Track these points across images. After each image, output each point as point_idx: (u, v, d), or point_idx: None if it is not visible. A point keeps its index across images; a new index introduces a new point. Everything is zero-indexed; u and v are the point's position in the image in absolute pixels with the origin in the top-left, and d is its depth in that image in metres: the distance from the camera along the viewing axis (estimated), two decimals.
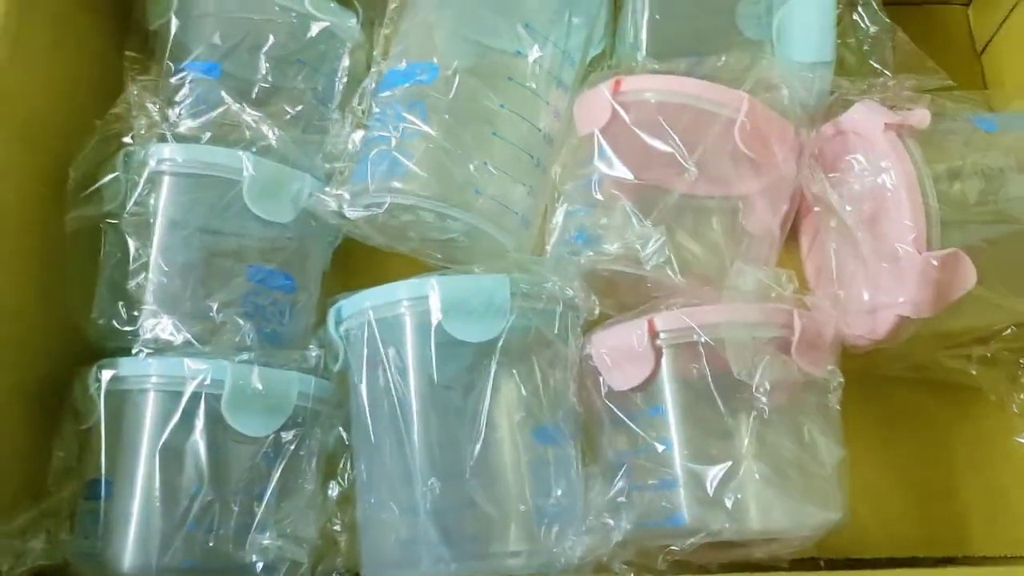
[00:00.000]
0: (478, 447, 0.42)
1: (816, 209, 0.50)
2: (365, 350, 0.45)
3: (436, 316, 0.43)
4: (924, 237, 0.43)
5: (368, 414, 0.45)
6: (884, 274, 0.45)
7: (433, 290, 0.43)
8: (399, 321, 0.44)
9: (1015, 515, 0.50)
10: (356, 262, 0.56)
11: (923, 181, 0.44)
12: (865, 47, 0.50)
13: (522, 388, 0.44)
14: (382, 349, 0.44)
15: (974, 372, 0.50)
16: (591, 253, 0.46)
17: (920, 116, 0.45)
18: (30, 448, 0.46)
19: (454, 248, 0.52)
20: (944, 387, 0.52)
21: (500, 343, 0.43)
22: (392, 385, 0.44)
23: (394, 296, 0.45)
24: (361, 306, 0.46)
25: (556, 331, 0.45)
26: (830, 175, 0.48)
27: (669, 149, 0.45)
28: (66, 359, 0.48)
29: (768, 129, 0.47)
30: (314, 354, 0.47)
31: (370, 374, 0.45)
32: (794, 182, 0.49)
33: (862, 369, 0.47)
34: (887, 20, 0.49)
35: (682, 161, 0.45)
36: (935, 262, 0.42)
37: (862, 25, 0.50)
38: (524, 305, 0.44)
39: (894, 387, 0.53)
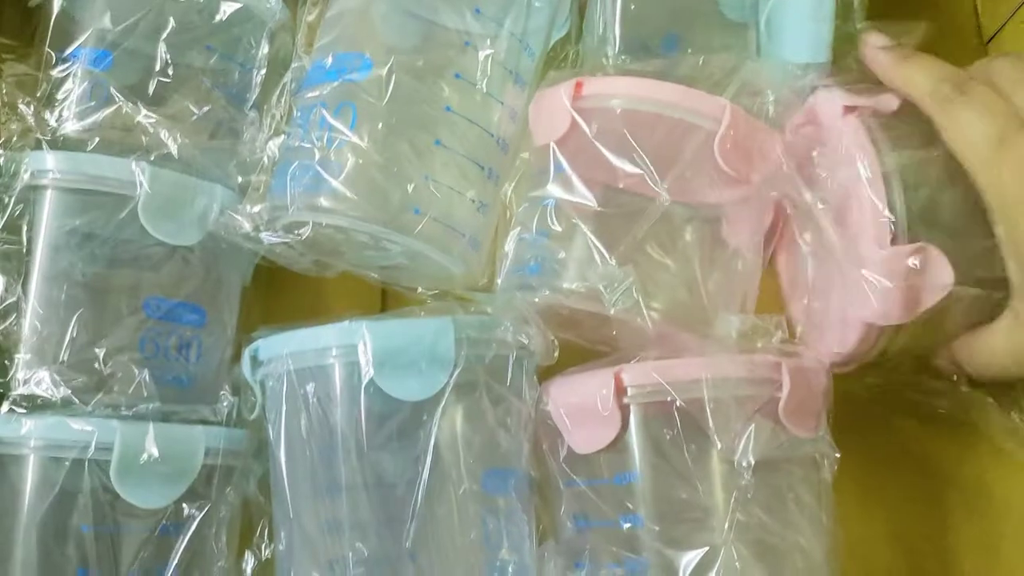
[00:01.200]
0: (414, 523, 0.36)
1: (790, 211, 0.44)
2: (284, 404, 0.39)
3: (367, 371, 0.37)
4: (888, 233, 0.37)
5: (286, 480, 0.38)
6: (855, 279, 0.39)
7: (364, 339, 0.37)
8: (324, 372, 0.38)
9: (1014, 572, 0.46)
10: (284, 277, 0.49)
11: (887, 171, 0.38)
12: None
13: (466, 453, 0.38)
14: (304, 404, 0.38)
15: (964, 389, 0.44)
16: (547, 291, 0.39)
17: (886, 99, 0.40)
18: None
19: (395, 270, 0.46)
20: (938, 426, 0.47)
21: (443, 400, 0.37)
22: (314, 447, 0.38)
23: (318, 343, 0.38)
24: (280, 351, 0.39)
25: (508, 383, 0.39)
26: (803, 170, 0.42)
27: (638, 171, 0.39)
28: None
29: (752, 141, 0.41)
30: (225, 404, 0.41)
31: (289, 433, 0.39)
32: (777, 195, 0.43)
33: (848, 408, 0.42)
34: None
35: (653, 185, 0.39)
36: (901, 260, 0.37)
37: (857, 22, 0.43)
38: (471, 353, 0.38)
39: (881, 426, 0.48)
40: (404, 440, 0.37)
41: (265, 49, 0.46)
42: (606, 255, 0.38)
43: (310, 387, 0.38)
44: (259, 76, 0.46)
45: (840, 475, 0.39)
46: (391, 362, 0.37)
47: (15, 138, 0.41)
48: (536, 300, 0.40)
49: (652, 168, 0.38)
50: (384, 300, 0.52)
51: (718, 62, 0.42)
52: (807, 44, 0.43)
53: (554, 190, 0.40)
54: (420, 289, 0.46)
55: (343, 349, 0.37)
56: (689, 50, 0.46)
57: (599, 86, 0.41)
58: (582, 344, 0.43)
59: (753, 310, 0.41)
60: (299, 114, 0.42)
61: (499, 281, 0.42)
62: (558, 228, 0.39)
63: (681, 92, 0.40)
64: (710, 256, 0.41)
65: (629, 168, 0.38)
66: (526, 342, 0.39)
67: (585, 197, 0.39)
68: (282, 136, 0.43)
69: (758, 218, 0.43)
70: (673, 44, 0.47)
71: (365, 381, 0.37)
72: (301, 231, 0.41)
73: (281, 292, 0.50)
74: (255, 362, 0.40)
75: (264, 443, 0.41)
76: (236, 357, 0.44)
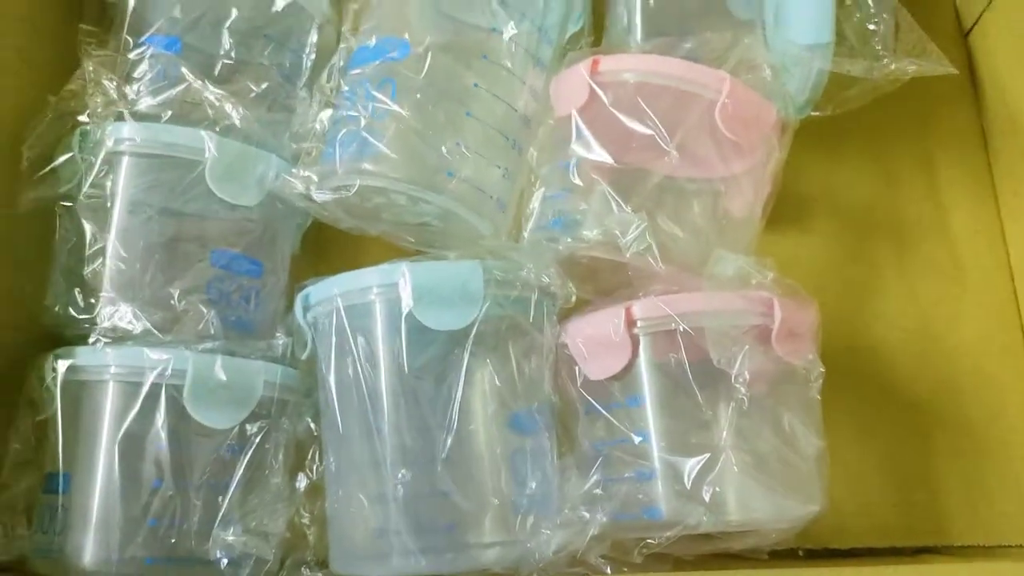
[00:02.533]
0: (450, 437, 0.41)
1: None
2: (333, 338, 0.44)
3: (407, 304, 0.42)
4: None
5: (336, 404, 0.43)
6: None
7: (404, 277, 0.42)
8: (368, 308, 0.43)
9: (995, 505, 0.50)
10: (327, 243, 0.54)
11: None
12: (869, 26, 0.48)
13: (496, 377, 0.42)
14: (351, 337, 0.43)
15: None
16: (569, 240, 0.44)
17: None
18: None
19: (428, 232, 0.51)
20: (927, 371, 0.51)
21: (473, 331, 0.42)
22: (361, 374, 0.42)
23: (363, 283, 0.43)
24: (329, 293, 0.44)
25: (531, 319, 0.44)
26: None
27: (649, 131, 0.44)
28: (21, 346, 0.46)
29: (750, 111, 0.46)
30: (281, 342, 0.46)
31: (339, 363, 0.43)
32: (775, 164, 0.48)
33: (841, 353, 0.47)
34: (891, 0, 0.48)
35: (662, 144, 0.44)
36: None
37: (865, 2, 0.48)
38: (498, 293, 0.43)
39: (874, 370, 0.52)
40: (440, 366, 0.42)
41: (314, 37, 0.52)
42: (622, 204, 0.43)
43: (356, 322, 0.43)
44: (308, 60, 0.52)
45: (836, 412, 0.44)
46: (427, 297, 0.42)
47: (100, 109, 0.46)
48: (559, 248, 0.45)
49: (663, 129, 0.43)
50: None
51: (718, 40, 0.47)
52: (811, 26, 0.47)
53: (576, 150, 0.45)
54: (451, 254, 0.51)
55: (385, 287, 0.42)
56: None
57: (614, 62, 0.46)
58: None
59: None
60: (347, 89, 0.48)
61: (525, 235, 0.47)
62: (579, 183, 0.45)
63: (686, 66, 0.45)
64: (712, 220, 0.46)
65: (641, 129, 0.44)
66: (547, 282, 0.44)
67: (603, 156, 0.44)
68: (331, 109, 0.48)
69: (755, 189, 0.48)
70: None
71: (405, 313, 0.42)
72: (349, 190, 0.46)
73: (324, 258, 0.55)
74: (307, 306, 0.45)
75: (314, 385, 0.46)
76: (287, 309, 0.50)
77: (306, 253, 0.53)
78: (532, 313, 0.44)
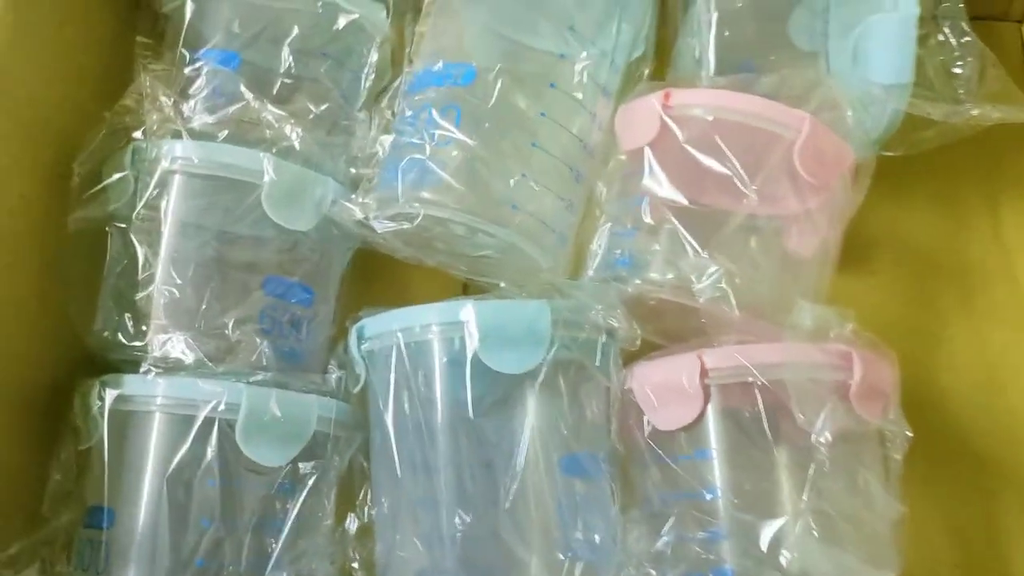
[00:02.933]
0: (514, 483, 0.39)
1: None
2: (392, 375, 0.42)
3: (472, 344, 0.40)
4: None
5: (394, 444, 0.41)
6: None
7: (470, 316, 0.40)
8: (430, 346, 0.41)
9: None
10: (374, 269, 0.53)
11: None
12: (953, 68, 0.46)
13: (560, 422, 0.41)
14: (410, 375, 0.41)
15: None
16: (638, 280, 0.43)
17: None
18: (24, 466, 0.43)
19: (483, 262, 0.49)
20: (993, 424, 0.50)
21: (540, 376, 0.40)
22: (421, 413, 0.41)
23: (426, 319, 0.41)
24: (388, 327, 0.42)
25: (597, 362, 0.42)
26: None
27: (727, 171, 0.42)
28: (66, 369, 0.45)
29: (829, 151, 0.44)
30: (334, 376, 0.44)
31: (396, 400, 0.42)
32: (850, 206, 0.46)
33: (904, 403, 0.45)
34: (978, 42, 0.46)
35: (740, 185, 0.42)
36: None
37: (949, 44, 0.46)
38: (565, 334, 0.41)
39: (939, 422, 0.51)
40: (503, 408, 0.40)
41: (374, 57, 0.50)
42: (697, 248, 0.41)
43: (417, 359, 0.41)
44: (367, 81, 0.50)
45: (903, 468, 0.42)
46: (493, 337, 0.40)
47: (155, 127, 0.45)
48: (629, 290, 0.43)
49: (741, 169, 0.42)
50: (465, 291, 0.55)
51: (799, 79, 0.45)
52: (892, 65, 0.46)
53: (648, 187, 0.43)
54: (503, 284, 0.50)
55: (449, 325, 0.41)
56: None
57: (687, 96, 0.44)
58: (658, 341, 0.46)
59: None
60: (410, 114, 0.46)
61: (590, 273, 0.46)
62: (650, 221, 0.43)
63: (765, 104, 0.43)
64: (785, 264, 0.44)
65: (718, 169, 0.42)
66: (615, 325, 0.42)
67: (676, 195, 0.42)
68: (392, 134, 0.47)
69: (829, 231, 0.46)
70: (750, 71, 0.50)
71: (470, 355, 0.40)
72: (410, 220, 0.44)
73: (371, 280, 0.53)
74: (362, 337, 0.44)
75: (365, 416, 0.44)
76: (337, 337, 0.48)
77: (352, 279, 0.52)
78: (599, 356, 0.42)
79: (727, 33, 0.48)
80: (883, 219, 0.55)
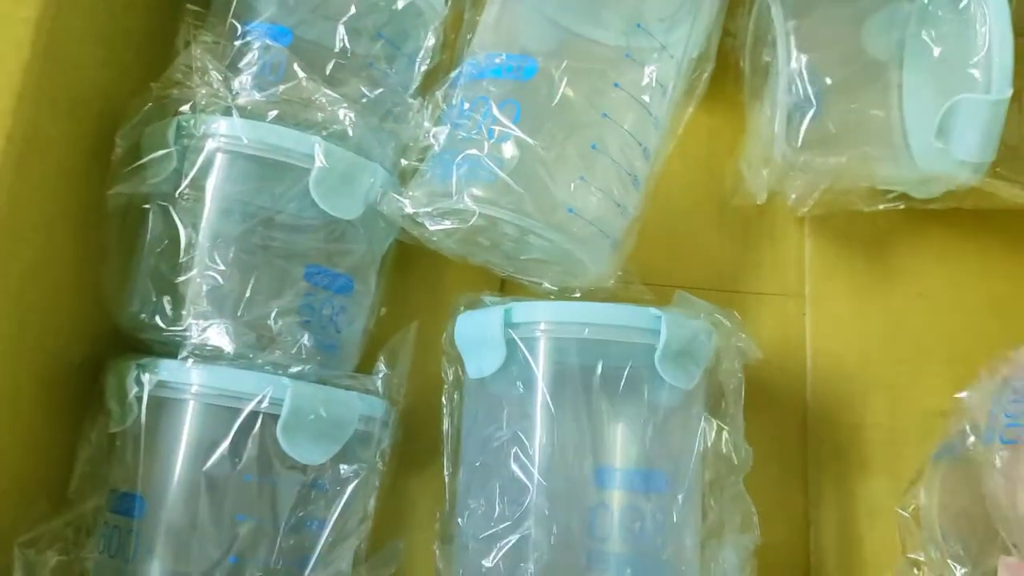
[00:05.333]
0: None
1: None
2: (551, 368, 0.41)
3: (660, 355, 0.40)
4: None
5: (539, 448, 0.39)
6: None
7: (661, 326, 0.40)
8: (612, 348, 0.41)
9: None
10: (409, 259, 0.51)
11: None
12: None
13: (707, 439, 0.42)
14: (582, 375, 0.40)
15: None
16: None
17: None
18: (52, 445, 0.42)
19: (527, 262, 0.48)
20: None
21: (700, 394, 0.42)
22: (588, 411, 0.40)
23: (617, 320, 0.41)
24: (572, 317, 0.41)
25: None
26: None
27: None
28: (98, 347, 0.43)
29: None
30: (380, 375, 0.43)
31: (556, 400, 0.40)
32: None
33: None
34: None
35: None
36: None
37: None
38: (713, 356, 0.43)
39: None
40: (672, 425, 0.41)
41: (431, 42, 0.48)
42: None
43: (595, 360, 0.40)
44: (422, 67, 0.48)
45: None
46: (674, 350, 0.40)
47: (203, 101, 0.43)
48: None
49: None
50: (503, 288, 0.53)
51: None
52: (977, 145, 0.44)
53: None
54: (545, 284, 0.48)
55: (640, 332, 0.40)
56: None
57: None
58: None
59: None
60: (468, 106, 0.44)
61: None
62: None
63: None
64: None
65: None
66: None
67: None
68: (445, 125, 0.45)
69: None
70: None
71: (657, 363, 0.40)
72: (462, 218, 0.43)
73: (407, 271, 0.52)
74: (512, 323, 0.42)
75: (397, 416, 0.43)
76: (372, 330, 0.47)
77: (389, 264, 0.50)
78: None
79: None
80: None
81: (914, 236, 0.52)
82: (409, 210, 0.44)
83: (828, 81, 0.45)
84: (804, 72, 0.45)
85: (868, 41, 0.49)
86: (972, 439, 0.40)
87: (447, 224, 0.43)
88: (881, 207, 0.49)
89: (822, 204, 0.48)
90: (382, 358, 0.44)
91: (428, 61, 0.48)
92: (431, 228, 0.43)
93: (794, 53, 0.46)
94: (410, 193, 0.44)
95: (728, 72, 0.53)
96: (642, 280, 0.47)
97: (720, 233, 0.54)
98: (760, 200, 0.48)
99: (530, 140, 0.42)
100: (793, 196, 0.47)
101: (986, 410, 0.40)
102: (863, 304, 0.52)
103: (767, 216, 0.53)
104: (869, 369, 0.51)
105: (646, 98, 0.45)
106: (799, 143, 0.45)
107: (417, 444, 0.48)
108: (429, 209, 0.43)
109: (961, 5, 0.45)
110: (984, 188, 0.45)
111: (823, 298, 0.53)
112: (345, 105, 0.44)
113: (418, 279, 0.53)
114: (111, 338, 0.44)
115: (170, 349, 0.42)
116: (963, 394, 0.42)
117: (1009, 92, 0.43)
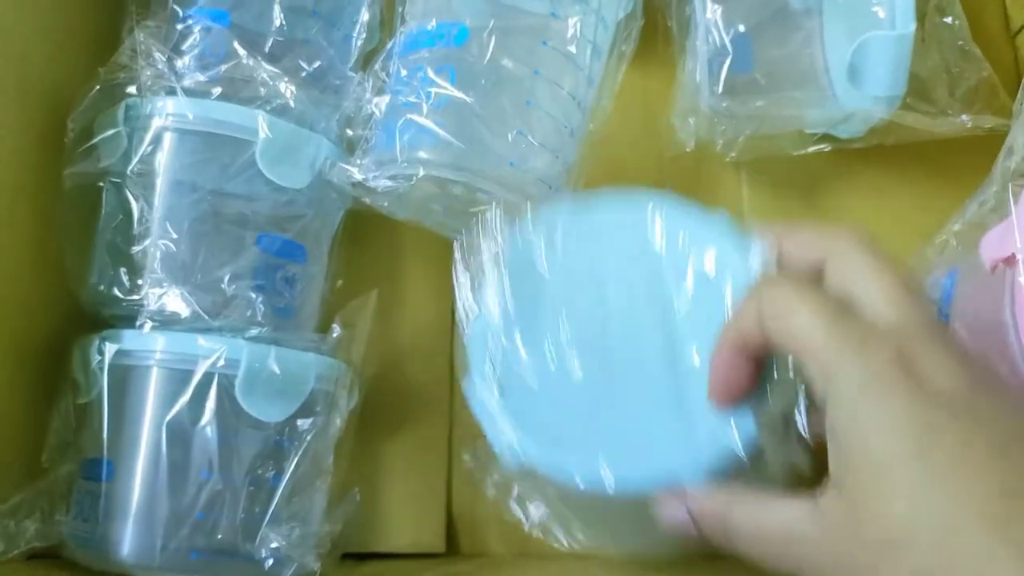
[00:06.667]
0: None
1: None
2: None
3: None
4: None
5: None
6: None
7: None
8: None
9: None
10: (366, 229, 0.53)
11: None
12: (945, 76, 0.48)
13: None
14: None
15: None
16: None
17: None
18: (23, 419, 0.43)
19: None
20: None
21: None
22: None
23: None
24: None
25: None
26: None
27: None
28: (64, 323, 0.45)
29: None
30: (335, 336, 0.44)
31: None
32: None
33: None
34: (973, 53, 0.47)
35: None
36: None
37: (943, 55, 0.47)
38: None
39: None
40: None
41: (365, 17, 0.50)
42: None
43: None
44: (359, 41, 0.50)
45: None
46: None
47: (149, 83, 0.44)
48: None
49: None
50: None
51: None
52: (887, 81, 0.47)
53: None
54: None
55: None
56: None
57: None
58: None
59: None
60: (405, 73, 0.46)
61: None
62: None
63: None
64: None
65: None
66: None
67: None
68: (386, 95, 0.47)
69: None
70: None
71: None
72: (409, 180, 0.44)
73: (363, 242, 0.54)
74: None
75: (360, 380, 0.45)
76: (329, 296, 0.48)
77: (344, 240, 0.52)
78: None
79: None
80: None
81: (846, 178, 0.54)
82: (358, 177, 0.45)
83: (742, 28, 0.47)
84: (719, 21, 0.47)
85: None
86: None
87: (395, 185, 0.45)
88: (810, 149, 0.51)
89: (750, 150, 0.50)
90: (337, 319, 0.45)
91: (364, 36, 0.50)
92: (379, 189, 0.45)
93: (709, 4, 0.48)
94: (358, 161, 0.46)
95: (659, 32, 0.55)
96: None
97: (661, 187, 0.55)
98: (688, 147, 0.50)
99: (467, 99, 0.44)
100: (720, 143, 0.49)
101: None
102: None
103: (704, 168, 0.55)
104: None
105: (574, 50, 0.47)
106: (719, 89, 0.47)
107: (384, 411, 0.50)
108: (377, 173, 0.45)
109: None
110: (900, 122, 0.47)
111: None
112: (285, 79, 0.46)
113: (377, 249, 0.54)
114: (76, 316, 0.45)
115: (131, 322, 0.43)
116: None
117: (912, 27, 0.45)
